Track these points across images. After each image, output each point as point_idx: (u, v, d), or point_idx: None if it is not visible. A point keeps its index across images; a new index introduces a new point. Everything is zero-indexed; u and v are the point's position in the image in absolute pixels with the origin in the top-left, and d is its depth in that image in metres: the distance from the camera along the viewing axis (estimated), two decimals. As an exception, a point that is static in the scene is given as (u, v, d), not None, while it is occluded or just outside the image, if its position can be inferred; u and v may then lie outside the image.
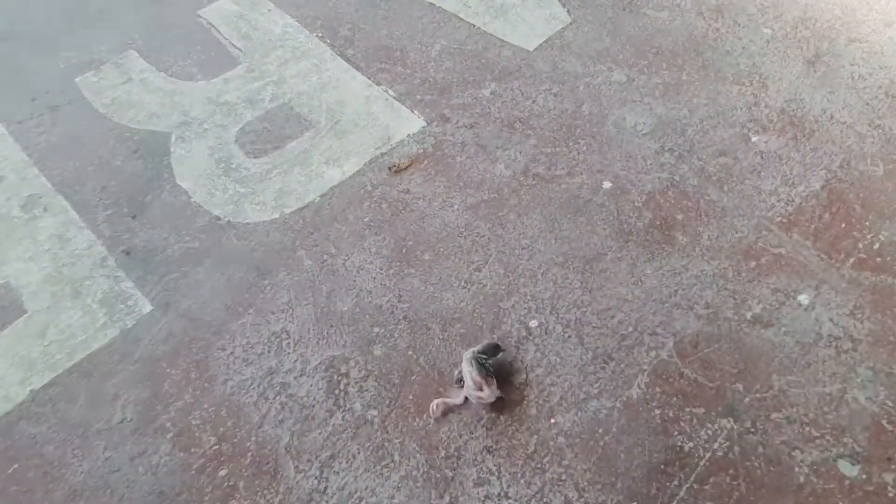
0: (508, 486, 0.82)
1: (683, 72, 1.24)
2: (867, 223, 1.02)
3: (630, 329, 0.94)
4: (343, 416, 0.89)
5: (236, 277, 1.02)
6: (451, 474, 0.83)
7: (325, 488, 0.83)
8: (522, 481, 0.82)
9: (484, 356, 0.88)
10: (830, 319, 0.93)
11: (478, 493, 0.81)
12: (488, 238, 1.06)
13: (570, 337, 0.94)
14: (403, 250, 1.05)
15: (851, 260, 0.98)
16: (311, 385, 0.91)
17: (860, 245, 1.00)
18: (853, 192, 1.06)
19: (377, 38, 1.33)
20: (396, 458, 0.85)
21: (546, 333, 0.95)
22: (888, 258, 0.99)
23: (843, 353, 0.91)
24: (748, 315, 0.94)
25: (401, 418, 0.88)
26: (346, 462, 0.85)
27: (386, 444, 0.86)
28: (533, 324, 0.96)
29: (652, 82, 1.23)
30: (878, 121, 1.13)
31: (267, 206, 1.10)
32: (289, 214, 1.09)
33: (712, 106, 1.18)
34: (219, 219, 1.09)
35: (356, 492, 0.82)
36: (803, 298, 0.95)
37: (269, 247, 1.06)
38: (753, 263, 0.99)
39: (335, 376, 0.92)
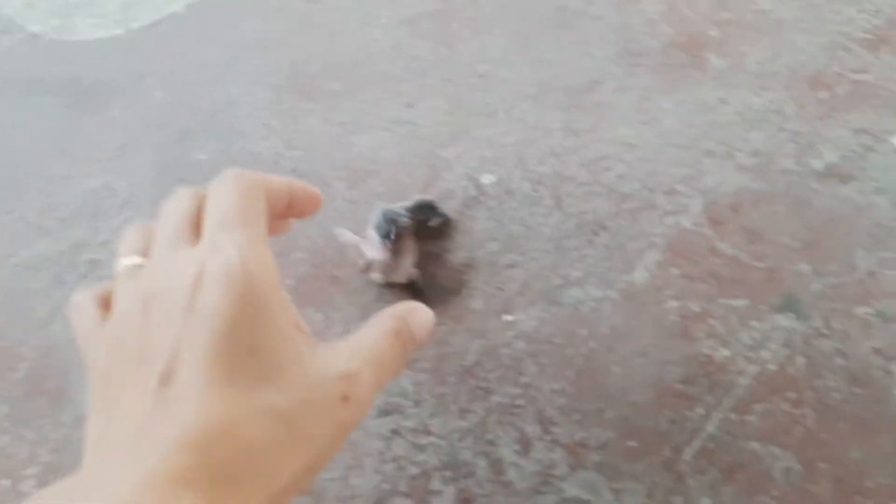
0: (431, 417, 0.54)
1: None
2: None
3: (636, 186, 0.65)
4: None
5: (49, 113, 0.73)
6: None
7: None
8: (454, 408, 0.54)
9: (404, 216, 0.60)
10: None
11: (383, 426, 0.54)
12: (428, 62, 0.76)
13: (542, 198, 0.66)
14: (302, 78, 0.76)
15: (972, 89, 0.69)
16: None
17: (984, 69, 0.70)
18: (972, -2, 0.76)
19: None
20: None
21: (506, 193, 0.66)
22: None
23: None
24: (818, 165, 0.65)
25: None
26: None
27: None
28: (487, 179, 0.67)
29: None
30: None
31: (108, 19, 0.81)
32: (137, 31, 0.80)
33: None
34: (37, 36, 0.80)
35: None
36: (901, 141, 0.66)
37: (104, 73, 0.77)
38: (825, 95, 0.70)
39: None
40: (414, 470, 0.51)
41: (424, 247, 0.58)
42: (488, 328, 0.56)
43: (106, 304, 0.35)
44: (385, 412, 0.52)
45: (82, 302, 0.35)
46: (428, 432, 0.52)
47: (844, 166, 0.64)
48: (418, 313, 0.36)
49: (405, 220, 0.57)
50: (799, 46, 0.72)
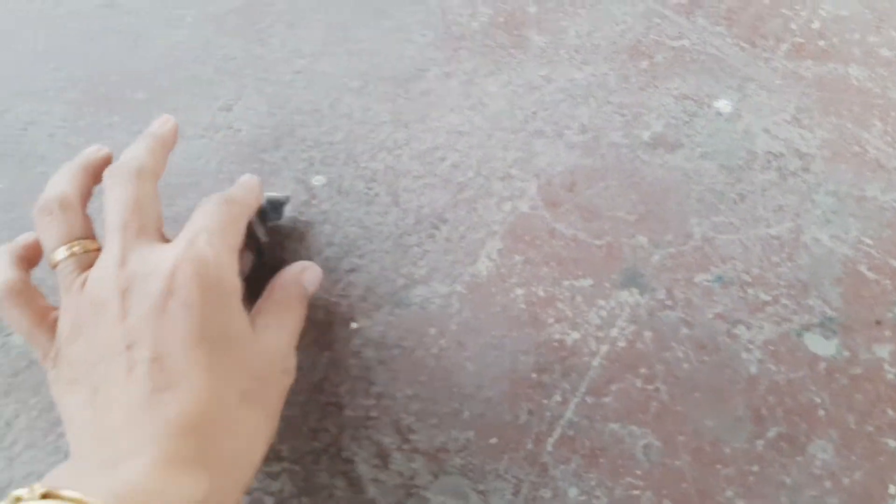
0: (281, 442, 0.51)
1: None
2: (798, -3, 0.76)
3: (470, 174, 0.65)
4: (-16, 361, 0.55)
5: None
6: None
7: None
8: (305, 430, 0.52)
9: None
10: (766, 130, 0.67)
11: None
12: (242, 61, 0.73)
13: (377, 195, 0.64)
14: (102, 90, 0.71)
15: (784, 46, 0.72)
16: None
17: (793, 26, 0.74)
18: (774, -41, 0.80)
19: None
20: None
21: (339, 194, 0.64)
22: (834, 39, 0.73)
23: (791, 175, 0.65)
24: (645, 136, 0.67)
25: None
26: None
27: None
28: (318, 181, 0.65)
29: None
30: None
31: None
32: None
33: None
34: None
35: None
36: (723, 105, 0.69)
37: None
38: (645, 64, 0.72)
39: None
40: (269, 501, 0.48)
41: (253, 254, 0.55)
42: (334, 339, 0.55)
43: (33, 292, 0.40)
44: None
45: (23, 287, 0.39)
46: (280, 458, 0.50)
47: (671, 134, 0.65)
48: (309, 272, 0.49)
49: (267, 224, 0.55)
50: (616, 17, 0.73)
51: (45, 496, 0.25)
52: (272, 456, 0.50)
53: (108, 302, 0.33)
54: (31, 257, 0.44)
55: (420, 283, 0.57)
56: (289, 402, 0.50)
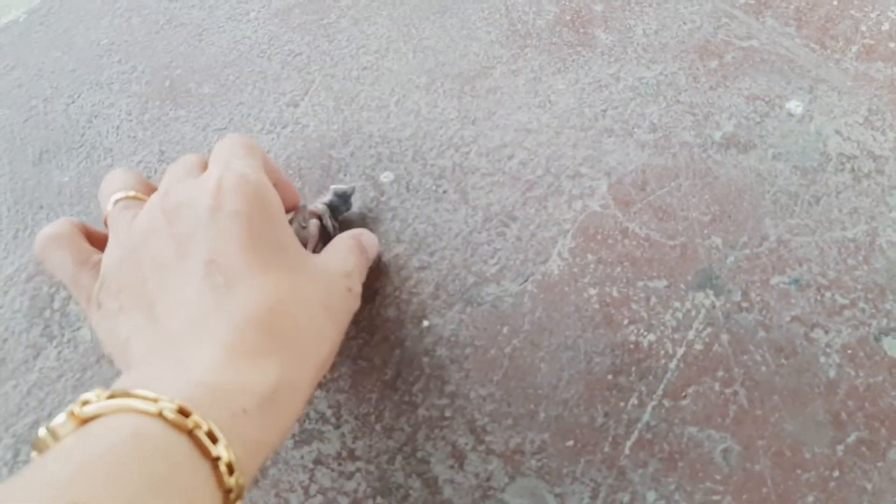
0: (354, 440, 0.51)
1: None
2: (868, -2, 0.75)
3: (539, 172, 0.64)
4: (60, 354, 0.55)
5: None
6: None
7: None
8: (378, 428, 0.52)
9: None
10: (837, 132, 0.66)
11: (303, 457, 0.50)
12: (308, 57, 0.73)
13: (445, 192, 0.63)
14: (167, 83, 0.71)
15: (854, 48, 0.71)
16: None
17: (863, 27, 0.72)
18: (843, -42, 0.78)
19: None
20: None
21: (408, 190, 0.63)
22: (906, 41, 0.72)
23: (865, 177, 0.64)
24: (716, 136, 0.66)
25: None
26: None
27: None
28: (386, 178, 0.64)
29: None
30: None
31: (-63, 31, 0.73)
32: (-26, 42, 0.73)
33: None
34: None
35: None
36: (794, 106, 0.68)
37: (-59, 94, 0.69)
38: (715, 63, 0.71)
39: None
40: (344, 501, 0.48)
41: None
42: (405, 337, 0.54)
43: (88, 236, 0.40)
44: (303, 441, 0.49)
45: (69, 230, 0.39)
46: (354, 457, 0.49)
47: (742, 135, 0.64)
48: (366, 235, 0.48)
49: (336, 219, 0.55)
50: (684, 16, 0.72)
51: (112, 396, 0.23)
52: (346, 454, 0.50)
53: (155, 225, 0.33)
54: (89, 232, 0.43)
55: (491, 281, 0.57)
56: (362, 399, 0.50)
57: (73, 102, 0.70)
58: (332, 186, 0.57)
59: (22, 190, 0.64)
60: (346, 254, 0.40)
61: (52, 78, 0.72)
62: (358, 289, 0.39)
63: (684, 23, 0.71)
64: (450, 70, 0.69)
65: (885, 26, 0.69)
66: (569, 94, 0.67)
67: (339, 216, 0.56)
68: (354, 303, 0.39)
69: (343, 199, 0.57)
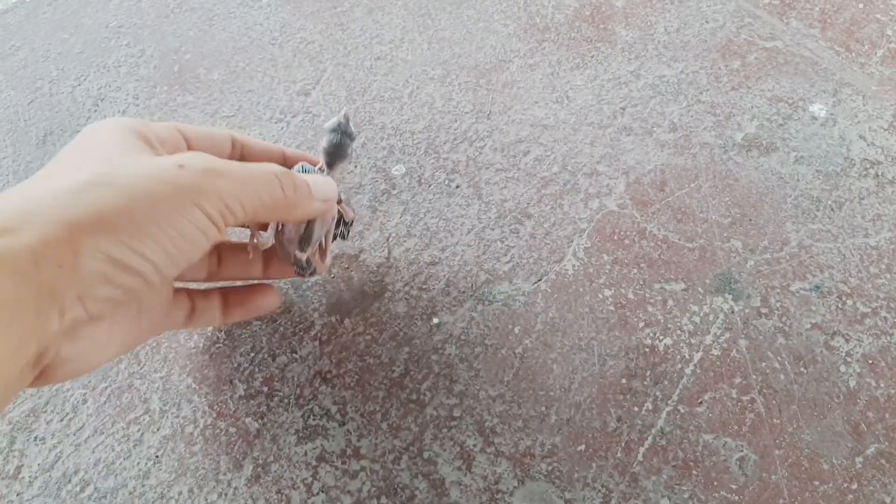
0: (360, 438, 0.50)
1: None
2: (894, 1, 0.74)
3: (556, 169, 0.63)
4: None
5: None
6: (256, 426, 0.50)
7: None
8: (385, 426, 0.50)
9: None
10: (861, 136, 0.65)
11: (306, 453, 0.49)
12: (320, 46, 0.71)
13: (458, 187, 0.62)
14: (176, 68, 0.70)
15: (880, 52, 0.70)
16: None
17: (889, 31, 0.71)
18: (870, -40, 0.77)
19: None
20: (147, 407, 0.51)
21: (420, 184, 0.62)
22: (933, 46, 0.70)
23: (889, 183, 0.62)
24: (738, 137, 0.64)
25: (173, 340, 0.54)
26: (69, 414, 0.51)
27: (133, 386, 0.52)
28: (398, 171, 0.63)
29: None
30: None
31: (-57, 9, 0.72)
32: (-19, 21, 0.71)
33: None
34: None
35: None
36: (817, 109, 0.66)
37: (-55, 72, 0.68)
38: (738, 63, 0.69)
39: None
40: (347, 500, 0.46)
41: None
42: (414, 334, 0.53)
43: None
44: (307, 437, 0.48)
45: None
46: (359, 456, 0.48)
47: (764, 137, 0.63)
48: (322, 185, 0.39)
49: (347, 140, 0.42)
50: (706, 14, 0.71)
51: None
52: (350, 452, 0.48)
53: None
54: None
55: (503, 279, 0.55)
56: (368, 396, 0.48)
57: (79, 85, 0.69)
58: (325, 125, 0.42)
59: (25, 172, 0.63)
60: (239, 164, 0.31)
61: (59, 60, 0.71)
62: (198, 164, 0.30)
63: (707, 21, 0.69)
64: (466, 62, 0.68)
65: (912, 31, 0.67)
66: (587, 90, 0.65)
67: (345, 157, 0.42)
68: (191, 176, 0.30)
69: (341, 135, 0.41)
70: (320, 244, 0.45)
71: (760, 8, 0.72)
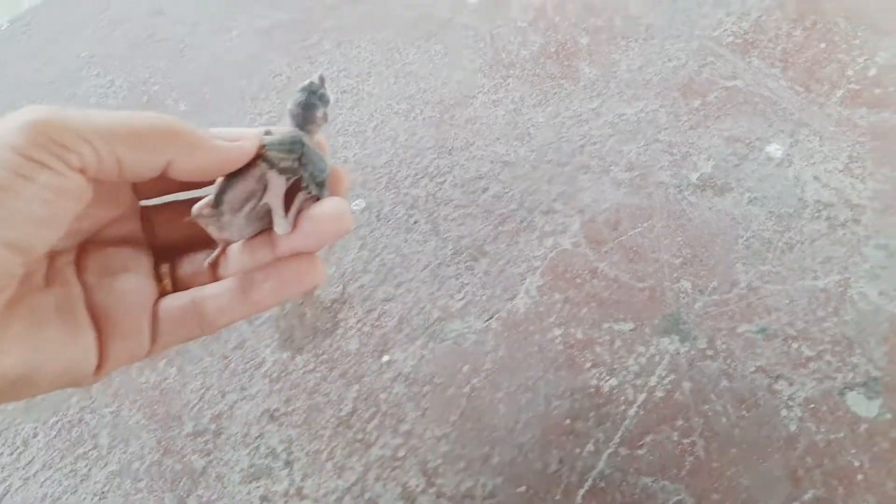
0: (304, 478, 0.51)
1: None
2: (856, 42, 0.75)
3: (513, 206, 0.64)
4: None
5: None
6: (202, 463, 0.51)
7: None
8: (329, 466, 0.51)
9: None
10: (816, 178, 0.66)
11: (250, 493, 0.50)
12: (288, 78, 0.73)
13: (416, 222, 0.63)
14: (145, 98, 0.71)
15: (839, 92, 0.71)
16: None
17: (850, 72, 0.72)
18: (832, 1, 0.78)
19: None
20: (96, 442, 0.52)
21: (378, 219, 0.63)
22: (890, 88, 0.71)
23: (840, 226, 0.63)
24: (693, 177, 0.65)
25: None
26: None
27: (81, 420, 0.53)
28: (357, 205, 0.64)
29: None
30: None
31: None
32: (-46, 49, 0.73)
33: None
34: None
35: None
36: (774, 149, 0.67)
37: (-83, 100, 0.69)
38: (698, 102, 0.70)
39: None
40: (290, 538, 0.47)
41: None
42: (365, 372, 0.54)
43: None
44: (251, 476, 0.49)
45: None
46: (301, 496, 0.49)
47: (719, 177, 0.64)
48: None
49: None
50: (669, 53, 0.72)
51: None
52: (293, 492, 0.49)
53: None
54: None
55: (456, 316, 0.56)
56: (314, 435, 0.49)
57: (48, 115, 0.70)
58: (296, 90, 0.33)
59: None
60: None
61: (30, 89, 0.72)
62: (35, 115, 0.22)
63: (669, 60, 0.70)
64: (431, 97, 0.69)
65: (872, 71, 0.69)
66: (548, 127, 0.66)
67: (313, 121, 0.32)
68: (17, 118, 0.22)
69: (308, 95, 0.33)
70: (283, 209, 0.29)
71: (723, 46, 0.73)
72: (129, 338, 0.26)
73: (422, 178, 0.63)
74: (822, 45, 0.74)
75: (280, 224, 0.27)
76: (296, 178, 0.28)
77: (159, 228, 0.30)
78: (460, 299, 0.56)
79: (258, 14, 0.75)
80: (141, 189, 0.29)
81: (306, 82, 0.34)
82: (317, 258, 0.28)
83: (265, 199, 0.27)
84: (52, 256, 0.25)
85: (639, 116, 0.68)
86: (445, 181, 0.63)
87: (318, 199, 0.28)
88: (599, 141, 0.66)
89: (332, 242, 0.29)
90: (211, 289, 0.29)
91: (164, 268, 0.29)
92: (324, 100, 0.34)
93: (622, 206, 0.62)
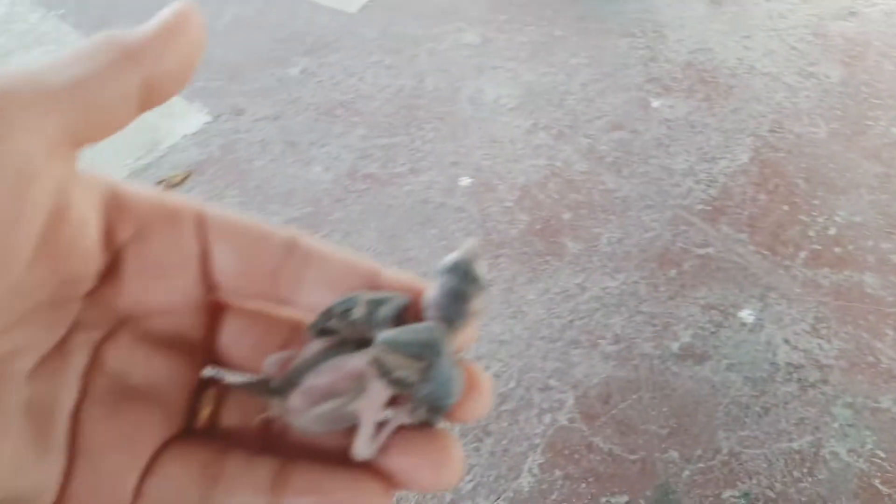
0: None
1: (555, 26, 1.02)
2: (816, 202, 0.83)
3: (512, 385, 0.70)
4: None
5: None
6: None
7: None
8: None
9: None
10: (786, 341, 0.73)
11: None
12: (301, 271, 0.80)
13: (425, 406, 0.70)
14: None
15: (803, 254, 0.78)
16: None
17: (811, 233, 0.80)
18: (792, 163, 0.86)
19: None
20: None
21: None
22: (849, 246, 0.79)
23: (811, 387, 0.70)
24: (674, 347, 0.72)
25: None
26: None
27: None
28: (371, 392, 0.71)
29: (516, 42, 1.00)
30: (810, 68, 0.95)
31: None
32: None
33: (597, 66, 0.97)
34: None
35: None
36: (746, 315, 0.74)
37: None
38: (674, 272, 0.78)
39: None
40: None
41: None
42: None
43: None
44: None
45: None
46: None
47: (698, 346, 0.71)
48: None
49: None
50: (645, 224, 0.80)
51: None
52: None
53: None
54: None
55: (466, 498, 0.62)
56: None
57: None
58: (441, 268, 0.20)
59: None
60: None
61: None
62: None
63: (646, 231, 0.78)
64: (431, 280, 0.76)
65: (832, 231, 0.76)
66: (539, 304, 0.73)
67: (468, 312, 0.19)
68: None
69: (463, 281, 0.20)
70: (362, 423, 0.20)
71: (694, 214, 0.81)
72: (106, 483, 0.17)
73: (428, 361, 0.70)
74: (785, 208, 0.81)
75: (362, 446, 0.18)
76: (406, 392, 0.18)
77: (228, 333, 0.19)
78: (469, 480, 0.62)
79: (271, 211, 0.83)
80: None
81: (455, 257, 0.21)
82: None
83: (354, 406, 0.18)
84: (75, 328, 0.17)
85: (621, 289, 0.75)
86: (450, 363, 0.70)
87: (426, 424, 0.18)
88: (587, 315, 0.73)
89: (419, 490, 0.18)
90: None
91: (211, 392, 0.19)
92: (478, 284, 0.21)
93: (612, 379, 0.69)
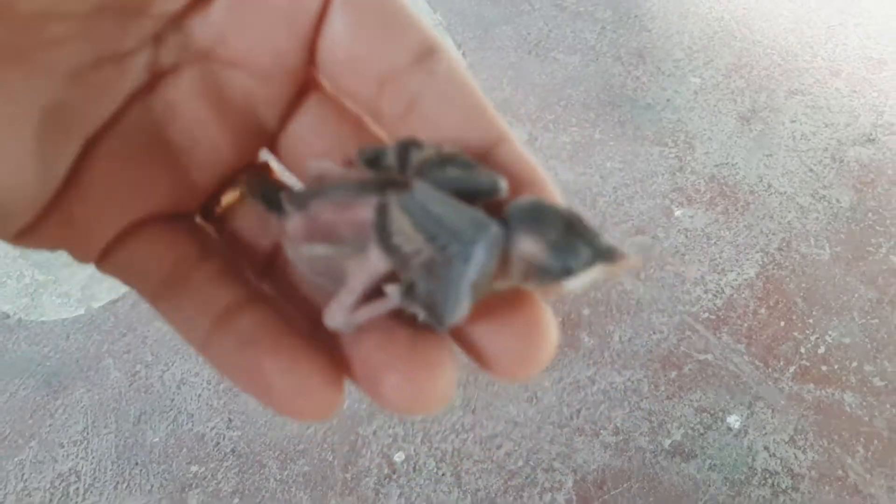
0: None
1: (597, 128, 1.13)
2: (810, 321, 0.92)
3: (520, 463, 0.81)
4: None
5: (20, 395, 0.86)
6: None
7: None
8: None
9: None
10: (766, 448, 0.82)
11: None
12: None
13: (443, 475, 0.81)
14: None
15: (792, 368, 0.87)
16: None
17: (802, 349, 0.89)
18: (794, 281, 0.95)
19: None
20: None
21: (414, 470, 0.81)
22: (835, 365, 0.88)
23: (782, 493, 0.79)
24: (666, 443, 0.82)
25: None
26: None
27: None
28: (398, 457, 0.82)
29: (559, 141, 1.11)
30: (823, 191, 1.04)
31: (71, 298, 0.95)
32: (97, 310, 0.94)
33: (629, 171, 1.07)
34: (7, 316, 0.93)
35: None
36: (734, 420, 0.84)
37: (68, 354, 0.90)
38: (674, 374, 0.88)
39: (132, 538, 0.77)
40: None
41: None
42: None
43: None
44: None
45: None
46: None
47: (687, 444, 0.80)
48: None
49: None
50: (654, 326, 0.90)
51: None
52: None
53: None
54: None
55: (470, 561, 0.73)
56: None
57: (167, 370, 0.90)
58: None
59: (123, 448, 0.83)
60: None
61: (154, 346, 0.92)
62: None
63: (654, 332, 0.88)
64: (459, 361, 0.87)
65: (822, 349, 0.85)
66: (552, 391, 0.84)
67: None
68: None
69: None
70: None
71: (699, 322, 0.90)
72: (83, 229, 0.15)
73: (450, 433, 0.81)
74: (782, 324, 0.91)
75: (336, 311, 0.14)
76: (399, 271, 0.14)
77: (302, 123, 0.16)
78: (474, 545, 0.73)
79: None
80: None
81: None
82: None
83: (348, 264, 0.14)
84: (141, 46, 0.14)
85: (626, 385, 0.85)
86: (468, 437, 0.81)
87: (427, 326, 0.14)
88: (593, 406, 0.83)
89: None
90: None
91: (244, 178, 0.16)
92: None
93: (608, 467, 0.79)
